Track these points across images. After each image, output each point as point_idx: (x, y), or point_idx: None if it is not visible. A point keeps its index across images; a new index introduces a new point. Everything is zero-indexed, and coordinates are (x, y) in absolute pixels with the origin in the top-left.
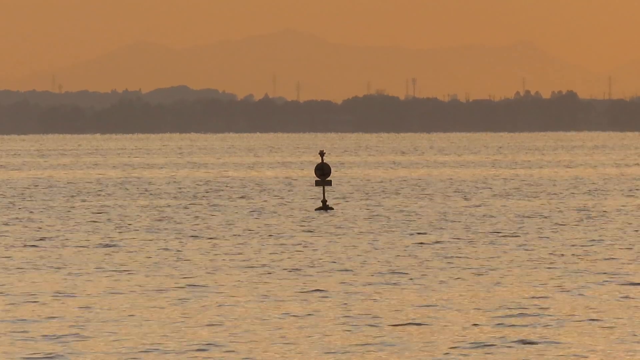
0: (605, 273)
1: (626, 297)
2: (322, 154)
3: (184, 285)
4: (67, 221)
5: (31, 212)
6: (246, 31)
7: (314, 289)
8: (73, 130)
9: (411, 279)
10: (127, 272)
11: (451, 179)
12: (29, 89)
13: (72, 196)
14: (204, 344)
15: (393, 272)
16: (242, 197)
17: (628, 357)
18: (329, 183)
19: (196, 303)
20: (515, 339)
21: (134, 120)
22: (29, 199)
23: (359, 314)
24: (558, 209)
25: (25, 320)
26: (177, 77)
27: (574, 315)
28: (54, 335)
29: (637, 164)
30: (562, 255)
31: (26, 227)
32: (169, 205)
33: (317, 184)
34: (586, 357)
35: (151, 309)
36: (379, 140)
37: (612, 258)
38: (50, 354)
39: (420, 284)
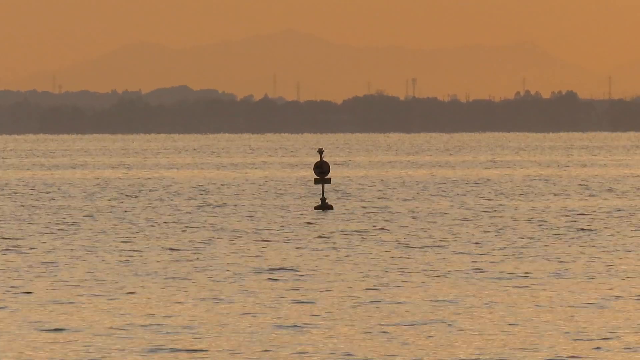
0: None
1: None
2: (321, 152)
3: (182, 285)
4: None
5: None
6: (246, 31)
7: (313, 288)
8: (73, 130)
9: (411, 277)
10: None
11: (450, 179)
12: (29, 89)
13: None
14: (196, 346)
15: (392, 271)
16: (241, 197)
17: None
18: (328, 181)
19: (194, 304)
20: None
21: (134, 120)
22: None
23: (360, 313)
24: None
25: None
26: (177, 77)
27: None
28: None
29: None
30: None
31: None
32: (168, 205)
33: (317, 182)
34: None
35: (154, 309)
36: (379, 140)
37: None
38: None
39: (421, 283)
